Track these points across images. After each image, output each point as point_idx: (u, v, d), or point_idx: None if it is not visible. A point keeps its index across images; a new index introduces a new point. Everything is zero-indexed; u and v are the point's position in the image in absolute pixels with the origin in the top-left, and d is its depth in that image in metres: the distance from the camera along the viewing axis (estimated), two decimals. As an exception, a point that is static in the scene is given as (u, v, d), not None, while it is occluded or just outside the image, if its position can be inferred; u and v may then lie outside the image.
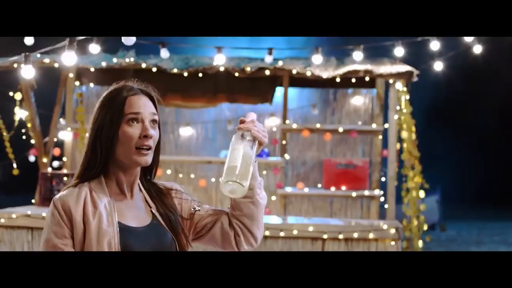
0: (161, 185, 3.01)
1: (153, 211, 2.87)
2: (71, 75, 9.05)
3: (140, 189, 2.93)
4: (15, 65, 8.08)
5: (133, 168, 2.84)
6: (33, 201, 8.66)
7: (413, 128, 8.80)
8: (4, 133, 8.84)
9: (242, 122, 3.00)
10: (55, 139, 9.24)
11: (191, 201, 3.01)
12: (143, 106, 2.82)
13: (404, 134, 8.79)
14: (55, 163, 9.49)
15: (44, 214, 7.35)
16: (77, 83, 9.29)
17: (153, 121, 2.84)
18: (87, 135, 2.83)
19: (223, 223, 2.95)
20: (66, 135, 9.17)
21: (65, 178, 8.12)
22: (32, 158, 9.22)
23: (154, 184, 2.99)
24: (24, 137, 9.14)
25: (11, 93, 9.03)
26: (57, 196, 2.77)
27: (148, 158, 2.79)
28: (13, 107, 8.98)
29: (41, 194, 8.15)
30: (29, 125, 9.05)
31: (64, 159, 9.23)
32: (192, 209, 2.98)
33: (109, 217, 2.74)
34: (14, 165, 9.21)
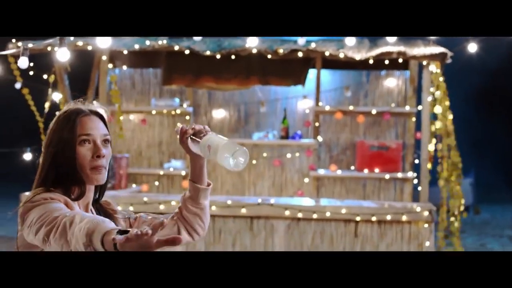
0: (109, 209, 3.09)
1: None
2: (104, 57, 9.09)
3: (91, 210, 2.99)
4: (49, 48, 8.13)
5: (89, 186, 2.92)
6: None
7: (450, 114, 8.70)
8: (38, 118, 8.89)
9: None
10: (88, 122, 9.29)
11: (149, 218, 3.12)
12: (94, 128, 2.90)
13: (440, 117, 8.69)
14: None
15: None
16: (110, 65, 9.34)
17: (105, 140, 2.92)
18: (42, 156, 2.92)
19: (181, 230, 3.12)
20: (99, 118, 9.20)
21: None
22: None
23: (102, 206, 3.07)
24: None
25: (45, 76, 9.09)
26: (42, 195, 2.74)
27: (102, 176, 2.88)
28: (47, 90, 9.04)
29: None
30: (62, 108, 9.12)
31: (98, 141, 9.28)
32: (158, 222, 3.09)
33: None
34: None
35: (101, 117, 2.97)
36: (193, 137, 2.91)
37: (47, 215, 2.56)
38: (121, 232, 2.24)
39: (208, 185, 3.08)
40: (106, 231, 2.27)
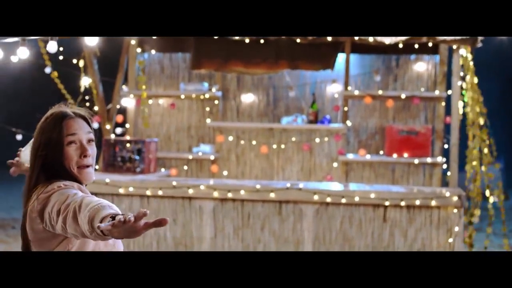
0: None
1: None
2: (133, 42, 9.11)
3: None
4: (79, 33, 8.15)
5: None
6: (96, 167, 8.77)
7: (480, 98, 8.59)
8: (71, 101, 8.94)
9: None
10: (118, 106, 9.34)
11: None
12: (79, 128, 3.04)
13: (470, 101, 8.60)
14: (118, 130, 9.61)
15: (107, 180, 7.45)
16: (139, 50, 9.36)
17: (90, 140, 3.06)
18: (31, 159, 3.05)
19: None
20: (128, 102, 9.26)
21: (127, 145, 8.21)
22: (95, 125, 9.34)
23: None
24: (87, 104, 9.26)
25: (74, 61, 9.13)
26: (55, 184, 2.90)
27: (90, 175, 3.04)
28: (77, 74, 9.09)
29: (104, 160, 8.25)
30: (93, 92, 9.17)
31: (127, 125, 9.33)
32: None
33: None
34: None
35: (85, 119, 3.10)
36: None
37: (60, 202, 2.72)
38: (114, 217, 2.40)
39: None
40: (103, 217, 2.45)
